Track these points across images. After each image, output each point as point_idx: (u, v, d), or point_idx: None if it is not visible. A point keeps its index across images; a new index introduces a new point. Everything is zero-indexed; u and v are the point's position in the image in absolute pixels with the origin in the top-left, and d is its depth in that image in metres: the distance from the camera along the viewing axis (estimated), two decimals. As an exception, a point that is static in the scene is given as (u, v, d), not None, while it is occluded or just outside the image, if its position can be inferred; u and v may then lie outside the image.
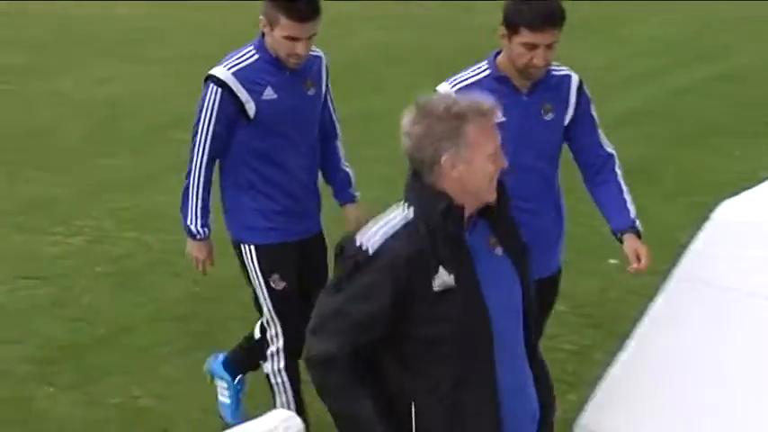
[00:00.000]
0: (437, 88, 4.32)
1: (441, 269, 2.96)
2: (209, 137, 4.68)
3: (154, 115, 10.47)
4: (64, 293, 7.16)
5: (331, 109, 5.02)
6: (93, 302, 7.05)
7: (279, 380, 4.87)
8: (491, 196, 3.04)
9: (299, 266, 4.94)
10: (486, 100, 3.04)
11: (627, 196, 4.47)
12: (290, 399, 4.84)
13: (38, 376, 6.09)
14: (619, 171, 4.54)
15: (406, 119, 3.06)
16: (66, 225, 8.28)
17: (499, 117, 3.03)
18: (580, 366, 5.83)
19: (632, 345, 3.75)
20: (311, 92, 4.82)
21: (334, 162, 5.08)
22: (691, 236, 3.74)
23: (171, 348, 6.43)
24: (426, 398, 3.03)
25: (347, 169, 5.13)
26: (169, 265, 7.61)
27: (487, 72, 4.34)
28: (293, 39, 4.52)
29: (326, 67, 4.91)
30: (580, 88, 4.48)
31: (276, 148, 4.78)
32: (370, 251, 2.99)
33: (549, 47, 4.19)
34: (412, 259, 2.96)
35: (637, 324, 3.79)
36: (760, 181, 3.90)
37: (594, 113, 4.53)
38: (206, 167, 4.77)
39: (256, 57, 4.68)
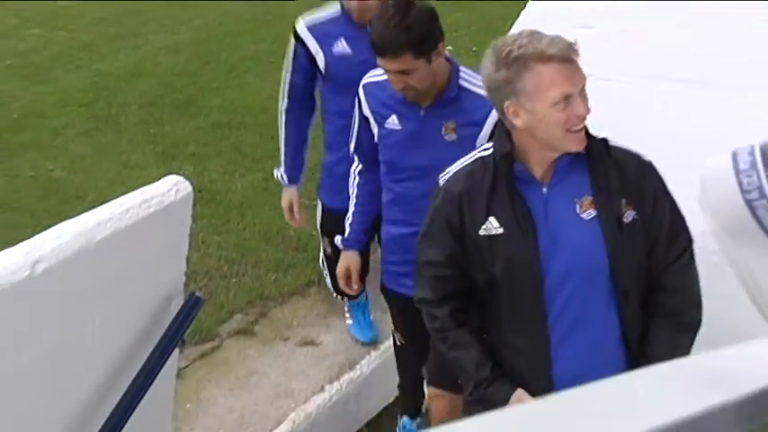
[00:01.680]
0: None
1: (491, 215, 2.34)
2: (287, 85, 3.82)
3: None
4: (-21, 84, 6.83)
5: None
6: (6, 90, 6.74)
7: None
8: (573, 146, 2.31)
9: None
10: (556, 43, 2.26)
11: None
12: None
13: (-38, 155, 5.87)
14: None
15: (484, 58, 2.38)
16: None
17: (571, 61, 2.29)
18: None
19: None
20: None
21: None
22: (512, 25, 3.71)
23: (78, 129, 6.23)
24: (494, 340, 2.45)
25: None
26: (71, 59, 7.31)
27: None
28: None
29: None
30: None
31: (351, 108, 3.70)
32: (441, 184, 2.43)
33: (403, 73, 2.88)
34: (462, 198, 2.36)
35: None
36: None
37: None
38: (286, 115, 3.85)
39: (338, 13, 3.70)
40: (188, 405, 3.80)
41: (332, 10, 3.69)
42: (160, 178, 2.71)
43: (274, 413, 3.85)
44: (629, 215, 2.38)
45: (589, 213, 2.38)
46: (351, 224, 3.23)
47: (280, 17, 8.21)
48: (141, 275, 2.66)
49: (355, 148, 3.20)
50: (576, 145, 2.31)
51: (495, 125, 2.50)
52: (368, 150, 3.15)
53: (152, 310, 2.72)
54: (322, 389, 3.97)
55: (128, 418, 2.62)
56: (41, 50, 7.43)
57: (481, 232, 2.34)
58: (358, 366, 4.10)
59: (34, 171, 5.68)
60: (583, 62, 3.47)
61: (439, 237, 2.42)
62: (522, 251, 2.34)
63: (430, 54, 2.82)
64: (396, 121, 3.02)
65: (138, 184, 2.73)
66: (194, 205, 2.80)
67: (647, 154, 2.62)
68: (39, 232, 2.44)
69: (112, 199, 2.62)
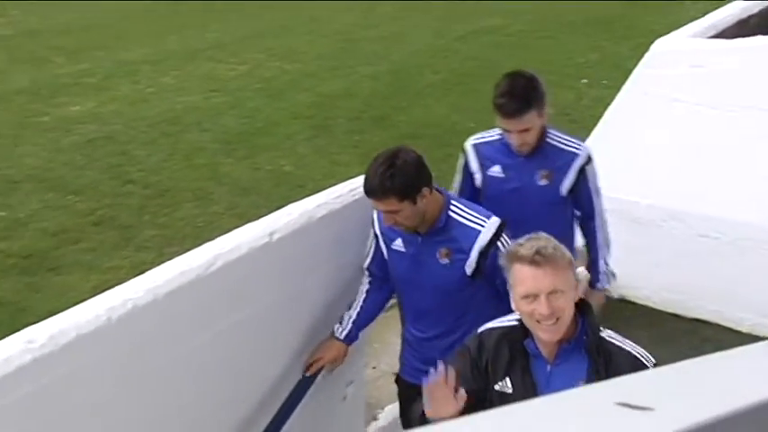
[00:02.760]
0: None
1: (507, 376, 2.12)
2: (456, 187, 3.13)
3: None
4: (236, 101, 7.18)
5: (585, 205, 3.06)
6: (255, 106, 7.07)
7: None
8: (543, 335, 2.04)
9: None
10: (530, 249, 2.02)
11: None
12: None
13: (222, 152, 6.18)
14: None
15: None
16: (237, 57, 8.23)
17: (540, 265, 2.01)
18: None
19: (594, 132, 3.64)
20: (543, 182, 3.04)
21: (589, 243, 3.16)
22: (636, 63, 3.59)
23: (302, 136, 6.45)
24: None
25: (595, 255, 3.16)
26: (300, 84, 7.59)
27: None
28: (507, 131, 2.96)
29: (582, 167, 2.96)
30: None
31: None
32: (477, 333, 2.18)
33: (391, 212, 2.50)
34: (490, 352, 2.14)
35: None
36: (681, 26, 3.72)
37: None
38: None
39: (498, 137, 3.05)
40: (375, 345, 3.88)
41: (494, 131, 3.08)
42: (361, 174, 2.79)
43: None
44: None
45: None
46: (353, 321, 2.75)
47: (453, 53, 8.22)
48: (346, 245, 2.75)
49: (370, 263, 2.74)
50: (546, 335, 2.04)
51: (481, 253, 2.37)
52: (379, 268, 2.72)
53: (350, 272, 2.80)
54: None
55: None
56: (280, 77, 7.75)
57: (496, 387, 2.13)
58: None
59: (271, 166, 5.93)
60: (694, 95, 3.28)
61: (462, 370, 2.13)
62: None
63: (414, 197, 2.47)
64: (401, 244, 2.64)
65: (345, 177, 2.81)
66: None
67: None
68: (274, 211, 2.58)
69: (326, 188, 2.73)
